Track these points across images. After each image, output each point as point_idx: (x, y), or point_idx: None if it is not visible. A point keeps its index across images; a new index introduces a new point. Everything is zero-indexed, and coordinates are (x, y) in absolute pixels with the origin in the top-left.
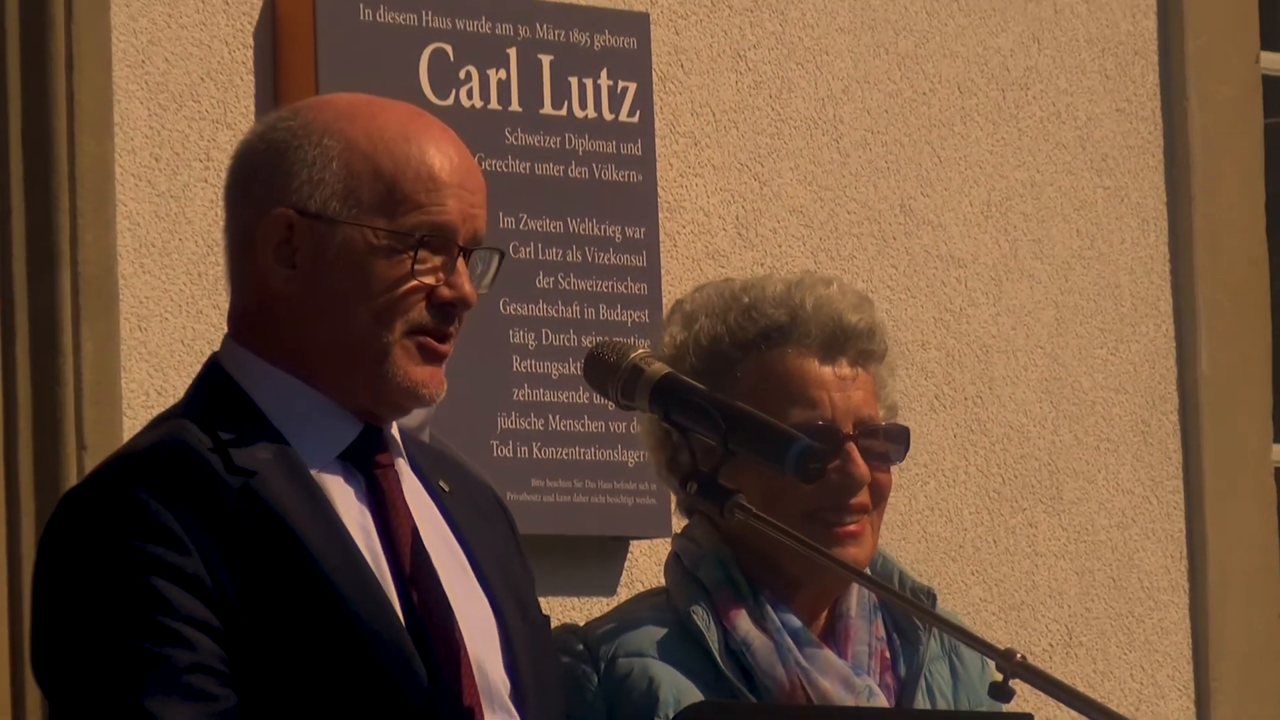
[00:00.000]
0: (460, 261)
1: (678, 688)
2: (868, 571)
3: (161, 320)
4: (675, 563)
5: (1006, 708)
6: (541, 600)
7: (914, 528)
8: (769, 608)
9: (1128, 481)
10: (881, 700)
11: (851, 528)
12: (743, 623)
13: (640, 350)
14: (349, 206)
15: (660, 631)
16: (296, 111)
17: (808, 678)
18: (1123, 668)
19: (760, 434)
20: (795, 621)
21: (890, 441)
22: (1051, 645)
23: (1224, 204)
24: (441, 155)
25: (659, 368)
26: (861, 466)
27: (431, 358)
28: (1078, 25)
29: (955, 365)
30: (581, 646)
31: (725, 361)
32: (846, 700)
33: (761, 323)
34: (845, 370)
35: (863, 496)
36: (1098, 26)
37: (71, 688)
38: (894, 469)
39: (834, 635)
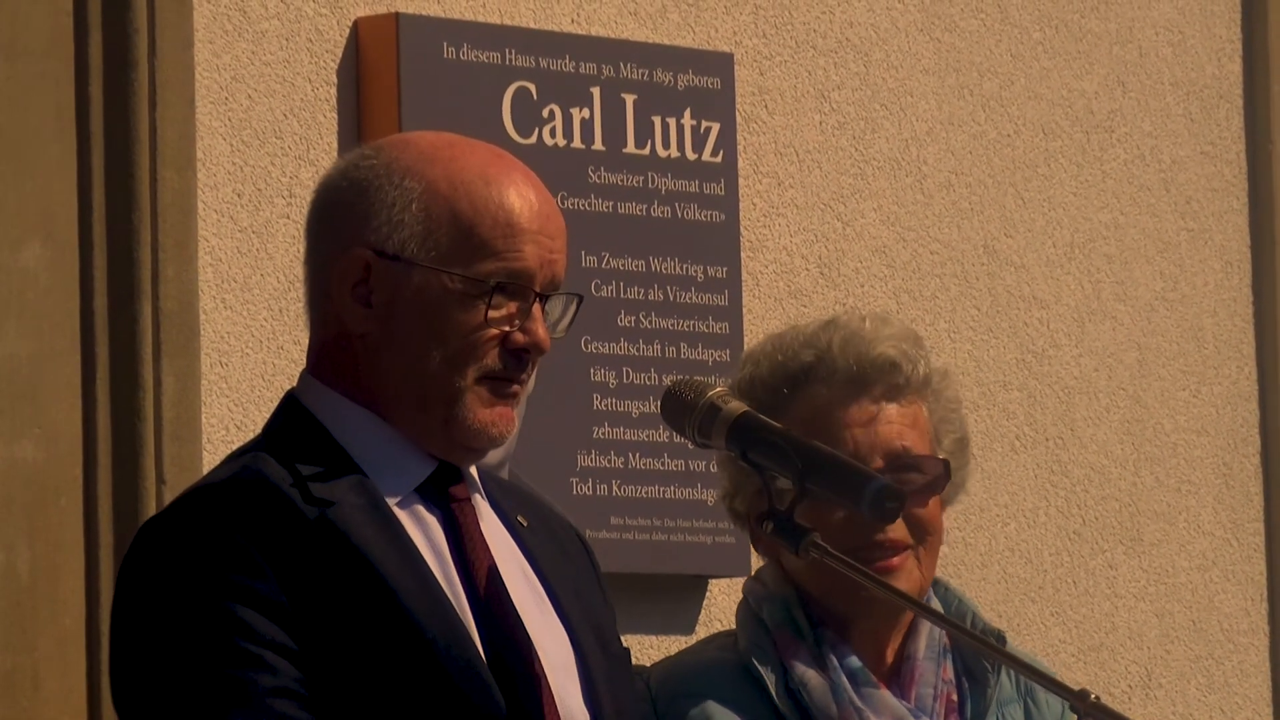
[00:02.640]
0: (536, 307)
1: None
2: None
3: (242, 355)
4: (744, 605)
5: None
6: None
7: (994, 568)
8: (827, 648)
9: (1208, 524)
10: None
11: (889, 562)
12: (800, 662)
13: (718, 389)
14: (426, 250)
15: (723, 673)
16: (379, 150)
17: (862, 717)
18: (1202, 710)
19: (837, 473)
20: (855, 662)
21: (926, 473)
22: (1131, 687)
23: None
24: (521, 200)
25: (736, 406)
26: None
27: (502, 399)
28: (1163, 69)
29: (1037, 406)
30: (644, 689)
31: (773, 404)
32: None
33: (793, 366)
34: (871, 407)
35: (897, 532)
36: (1183, 70)
37: (154, 714)
38: (973, 509)
39: (899, 677)
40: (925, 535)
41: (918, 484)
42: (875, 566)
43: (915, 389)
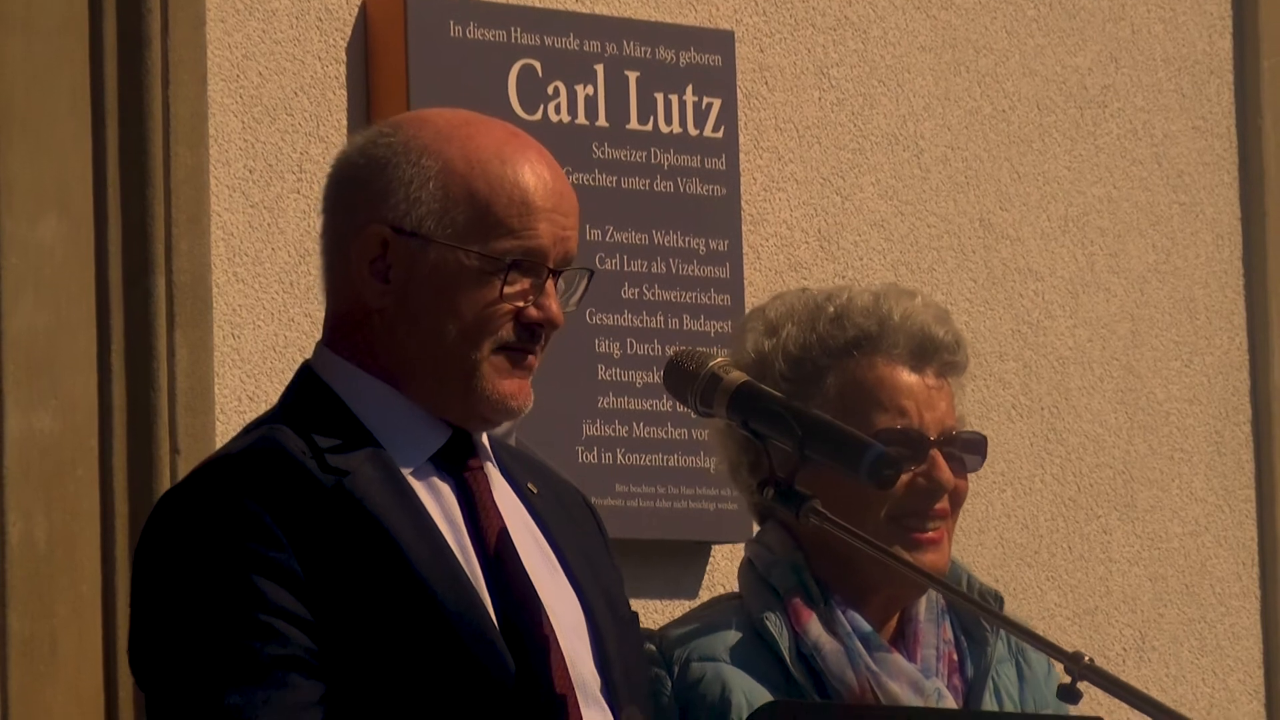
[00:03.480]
0: (549, 283)
1: (749, 691)
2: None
3: (254, 327)
4: (748, 568)
5: (1076, 710)
6: None
7: (991, 534)
8: (839, 612)
9: (1200, 490)
10: (950, 702)
11: (932, 534)
12: (814, 627)
13: (719, 359)
14: (443, 227)
15: (733, 636)
16: (396, 127)
17: (877, 681)
18: (1195, 673)
19: (835, 440)
20: (866, 626)
21: (970, 450)
22: (1125, 650)
23: None
24: (536, 179)
25: (737, 376)
26: (947, 473)
27: (519, 371)
28: (1155, 45)
29: (1032, 376)
30: (656, 651)
31: (814, 368)
32: (915, 703)
33: (851, 331)
34: (931, 380)
35: (944, 503)
36: (1174, 46)
37: (166, 679)
38: (971, 477)
39: (903, 639)
40: (957, 508)
41: (963, 459)
42: (918, 538)
43: (960, 369)
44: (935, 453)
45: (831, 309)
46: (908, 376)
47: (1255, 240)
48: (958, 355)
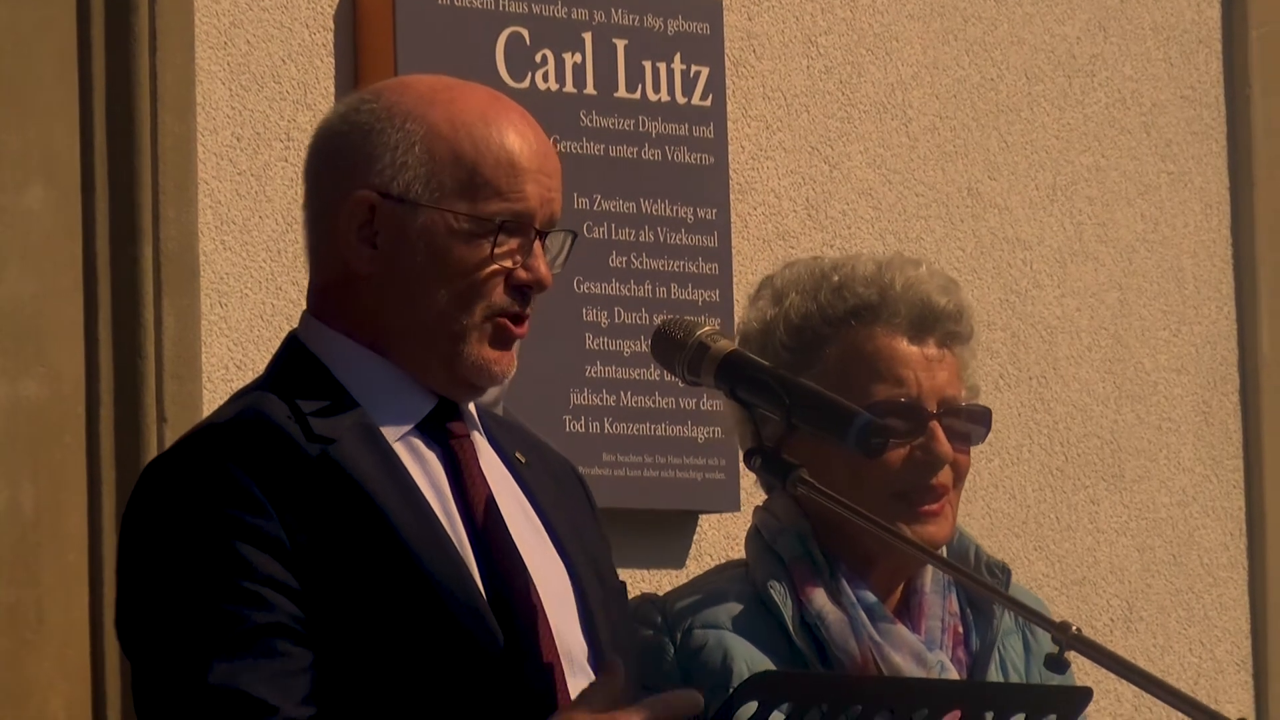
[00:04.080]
0: (537, 244)
1: (751, 660)
2: (943, 550)
3: (241, 296)
4: (755, 536)
5: (1066, 679)
6: None
7: (978, 504)
8: (844, 582)
9: (1188, 460)
10: (952, 674)
11: (933, 506)
12: (818, 597)
13: (707, 328)
14: (431, 190)
15: (737, 604)
16: (378, 94)
17: (880, 652)
18: (1182, 642)
19: (823, 409)
20: (870, 597)
21: (972, 422)
22: (1112, 620)
23: None
24: (521, 140)
25: (724, 344)
26: (945, 445)
27: (506, 341)
28: (1143, 14)
29: (1020, 346)
30: (660, 618)
31: (815, 338)
32: (918, 674)
33: (852, 301)
34: (932, 350)
35: (944, 476)
36: (1162, 14)
37: (153, 647)
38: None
39: (908, 611)
40: (959, 481)
41: (964, 431)
42: (921, 510)
43: (963, 340)
44: (934, 424)
45: (836, 278)
46: (907, 347)
47: (1243, 210)
48: (960, 325)
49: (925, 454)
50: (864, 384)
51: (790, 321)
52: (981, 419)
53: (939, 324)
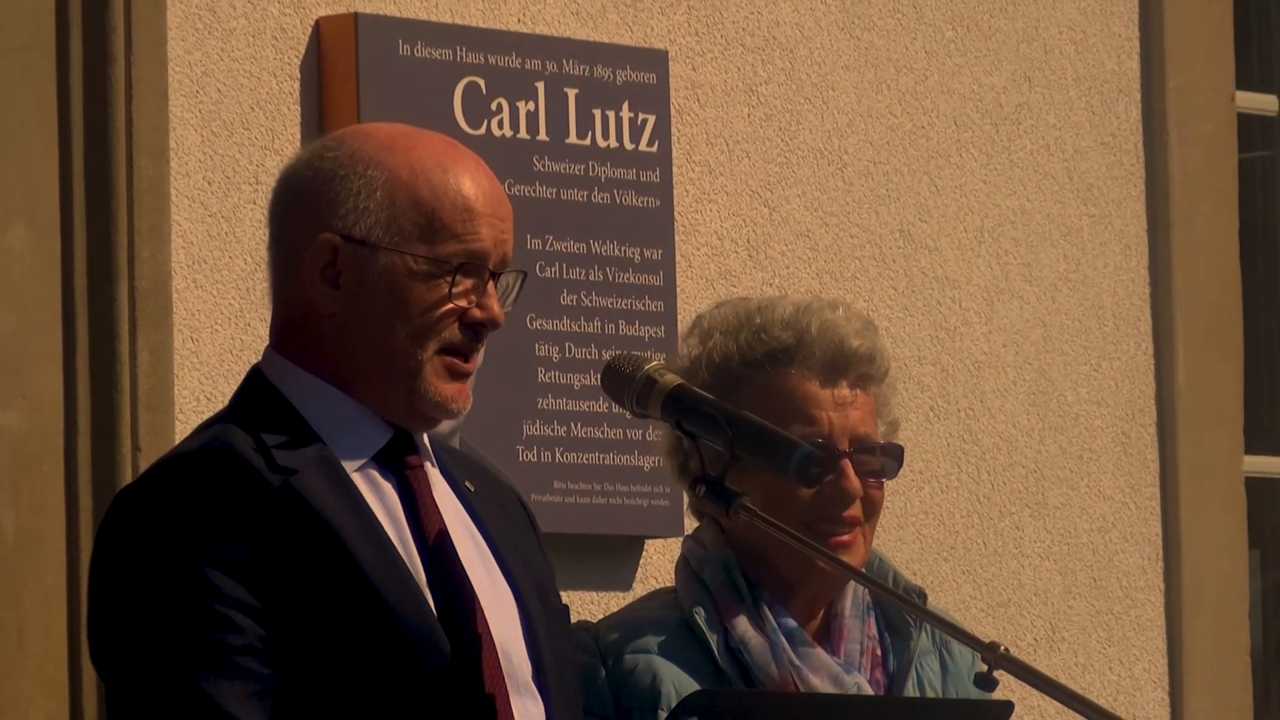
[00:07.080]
0: (490, 284)
1: (679, 682)
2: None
3: (212, 332)
4: (683, 564)
5: (991, 697)
6: (562, 594)
7: (909, 530)
8: (766, 609)
9: (1108, 489)
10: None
11: (845, 537)
12: (741, 623)
13: (654, 363)
14: (391, 234)
15: (665, 630)
16: (341, 141)
17: (799, 675)
18: (1102, 661)
19: (765, 441)
20: (791, 623)
21: (885, 458)
22: (1036, 640)
23: (1201, 232)
24: (476, 186)
25: (671, 379)
26: (854, 481)
27: (458, 376)
28: (1066, 65)
29: (949, 380)
30: (593, 643)
31: (734, 378)
32: None
33: (769, 344)
34: (844, 392)
35: (855, 510)
36: (1085, 66)
37: (130, 670)
38: (890, 481)
39: (829, 635)
40: (873, 514)
41: (877, 467)
42: (831, 542)
43: (876, 380)
44: (845, 462)
45: (758, 320)
46: (818, 389)
47: (1161, 250)
48: (873, 367)
49: (834, 490)
50: (779, 423)
51: (713, 361)
52: (894, 455)
53: (851, 367)
